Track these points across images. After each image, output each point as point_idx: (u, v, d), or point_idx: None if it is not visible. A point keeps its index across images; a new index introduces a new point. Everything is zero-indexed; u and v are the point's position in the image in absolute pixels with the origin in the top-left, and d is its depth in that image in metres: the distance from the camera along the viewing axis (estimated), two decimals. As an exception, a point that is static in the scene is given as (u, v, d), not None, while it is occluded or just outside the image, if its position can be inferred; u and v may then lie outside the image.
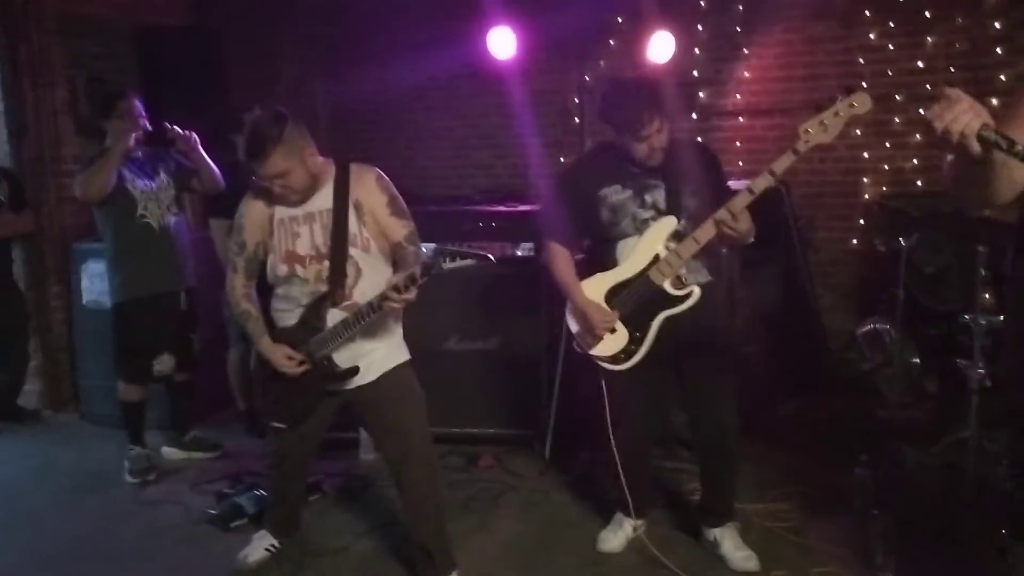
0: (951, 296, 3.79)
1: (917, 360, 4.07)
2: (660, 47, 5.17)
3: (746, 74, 5.57)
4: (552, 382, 3.95)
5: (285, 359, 2.79)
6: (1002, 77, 4.99)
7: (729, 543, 3.01)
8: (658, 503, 3.38)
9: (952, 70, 5.10)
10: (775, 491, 3.46)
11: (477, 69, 5.33)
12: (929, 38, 5.14)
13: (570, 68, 5.62)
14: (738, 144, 5.57)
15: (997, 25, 4.99)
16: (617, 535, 3.17)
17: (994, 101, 4.97)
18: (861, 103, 2.54)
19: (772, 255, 4.49)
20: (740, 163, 5.37)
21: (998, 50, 5.00)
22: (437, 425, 2.99)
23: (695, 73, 5.63)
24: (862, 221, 5.27)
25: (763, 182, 2.67)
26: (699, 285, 2.87)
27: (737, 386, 3.04)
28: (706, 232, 2.75)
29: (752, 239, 2.86)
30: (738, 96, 5.60)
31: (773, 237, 4.54)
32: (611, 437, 2.99)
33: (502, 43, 4.90)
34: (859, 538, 3.00)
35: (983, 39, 5.03)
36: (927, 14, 5.11)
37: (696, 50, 5.61)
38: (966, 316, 3.32)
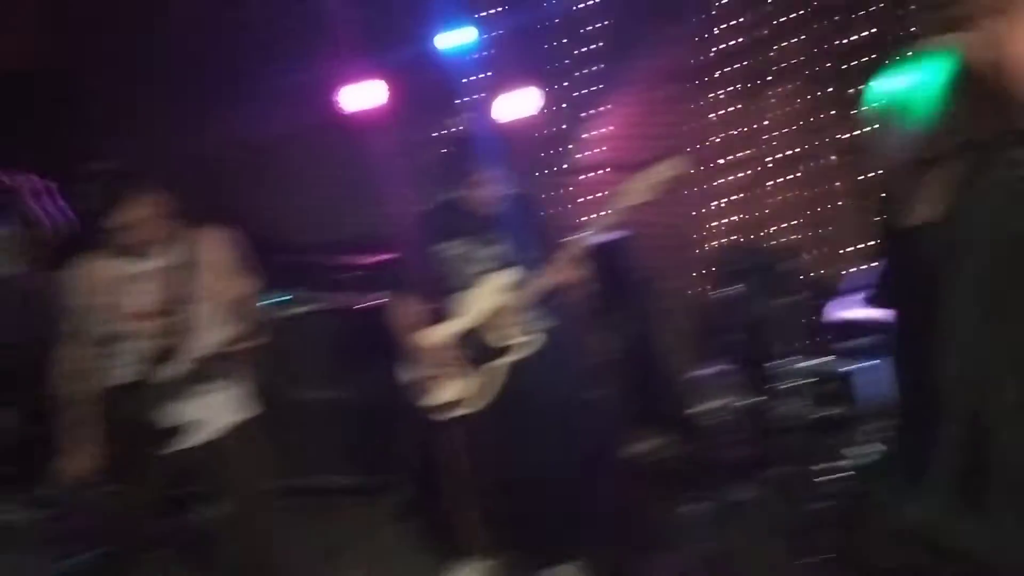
0: (776, 341, 4.06)
1: (746, 401, 4.33)
2: (526, 101, 5.41)
3: (608, 129, 5.86)
4: (406, 430, 4.00)
5: (82, 468, 2.76)
6: (838, 136, 5.45)
7: (561, 584, 3.13)
8: (500, 545, 3.47)
9: (791, 130, 5.53)
10: (612, 530, 3.60)
11: (342, 118, 5.41)
12: (772, 99, 5.55)
13: (435, 120, 5.77)
14: (600, 196, 5.84)
15: (831, 89, 5.44)
16: (456, 579, 3.25)
17: (828, 160, 5.48)
18: (680, 166, 2.80)
19: (621, 302, 4.70)
20: (602, 215, 5.62)
21: (833, 112, 5.46)
22: (291, 476, 3.01)
23: (559, 128, 5.90)
24: (706, 271, 5.58)
25: (592, 236, 2.88)
26: (542, 331, 3.02)
27: (582, 429, 3.19)
28: (543, 282, 2.91)
29: (593, 286, 3.05)
30: (600, 151, 5.88)
31: (622, 285, 4.76)
32: (451, 483, 3.09)
33: (368, 94, 5.01)
34: (686, 571, 3.18)
35: (820, 102, 5.48)
36: (769, 77, 5.53)
37: (560, 105, 5.88)
38: (782, 360, 3.61)
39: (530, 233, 3.06)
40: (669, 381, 4.89)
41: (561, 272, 2.88)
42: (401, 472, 3.99)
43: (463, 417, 3.03)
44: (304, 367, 4.05)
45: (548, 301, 3.03)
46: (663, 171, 2.84)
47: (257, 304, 2.83)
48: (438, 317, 3.12)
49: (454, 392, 3.01)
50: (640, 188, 2.85)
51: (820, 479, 3.44)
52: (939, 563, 1.64)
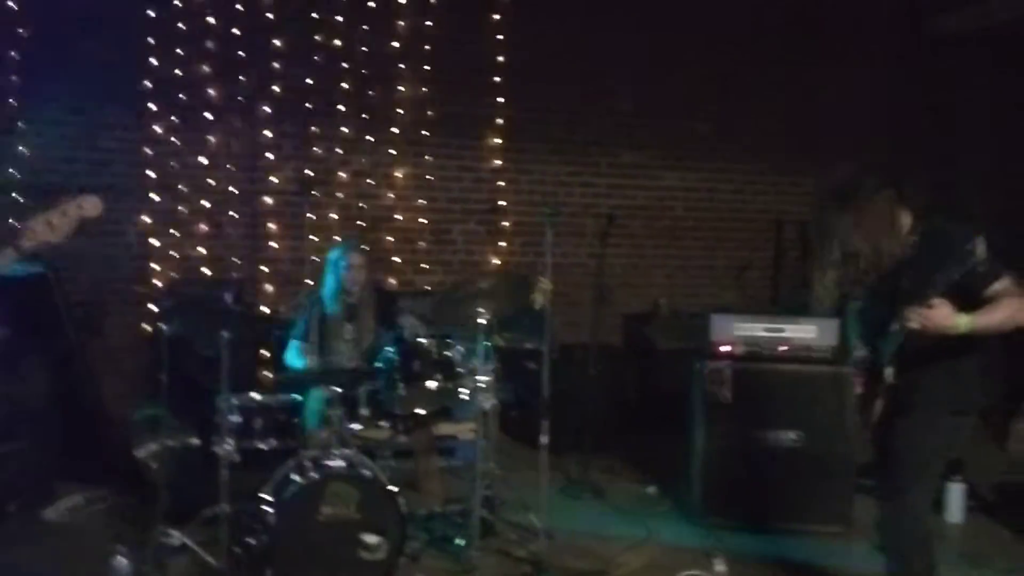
0: (223, 376, 3.99)
1: (196, 441, 4.19)
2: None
3: (25, 151, 5.21)
4: None
5: None
6: (273, 179, 5.66)
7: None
8: None
9: (232, 168, 5.58)
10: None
11: None
12: (210, 137, 5.52)
13: None
14: (11, 222, 5.14)
15: (269, 133, 5.64)
16: None
17: (268, 200, 5.65)
18: (91, 207, 2.53)
19: (41, 344, 4.20)
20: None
21: (269, 155, 5.66)
22: None
23: (-39, 144, 5.07)
24: (153, 307, 5.30)
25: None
26: None
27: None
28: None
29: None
30: (17, 174, 5.19)
31: (42, 325, 4.26)
32: None
33: None
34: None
35: (259, 144, 5.63)
36: (207, 115, 5.49)
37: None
38: (229, 395, 3.55)
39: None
40: (107, 425, 4.47)
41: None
42: None
43: None
44: None
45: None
46: (75, 211, 2.57)
47: None
48: None
49: None
50: (46, 228, 2.53)
51: (260, 513, 3.43)
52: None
